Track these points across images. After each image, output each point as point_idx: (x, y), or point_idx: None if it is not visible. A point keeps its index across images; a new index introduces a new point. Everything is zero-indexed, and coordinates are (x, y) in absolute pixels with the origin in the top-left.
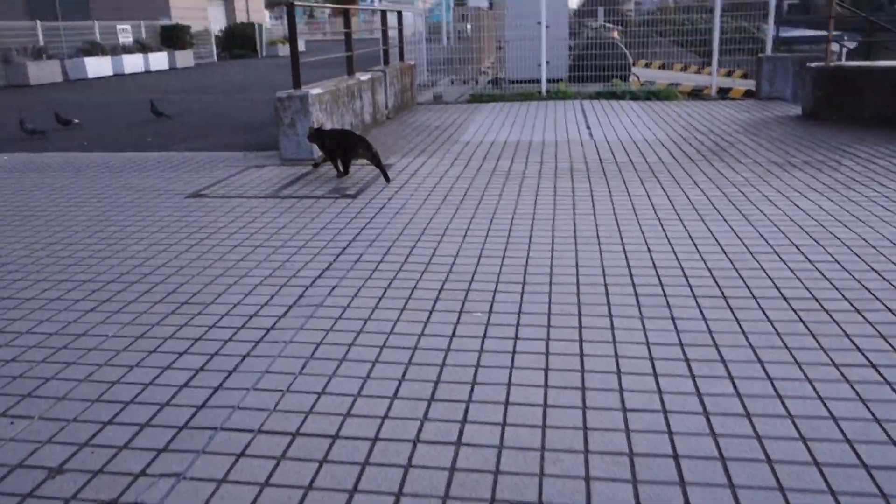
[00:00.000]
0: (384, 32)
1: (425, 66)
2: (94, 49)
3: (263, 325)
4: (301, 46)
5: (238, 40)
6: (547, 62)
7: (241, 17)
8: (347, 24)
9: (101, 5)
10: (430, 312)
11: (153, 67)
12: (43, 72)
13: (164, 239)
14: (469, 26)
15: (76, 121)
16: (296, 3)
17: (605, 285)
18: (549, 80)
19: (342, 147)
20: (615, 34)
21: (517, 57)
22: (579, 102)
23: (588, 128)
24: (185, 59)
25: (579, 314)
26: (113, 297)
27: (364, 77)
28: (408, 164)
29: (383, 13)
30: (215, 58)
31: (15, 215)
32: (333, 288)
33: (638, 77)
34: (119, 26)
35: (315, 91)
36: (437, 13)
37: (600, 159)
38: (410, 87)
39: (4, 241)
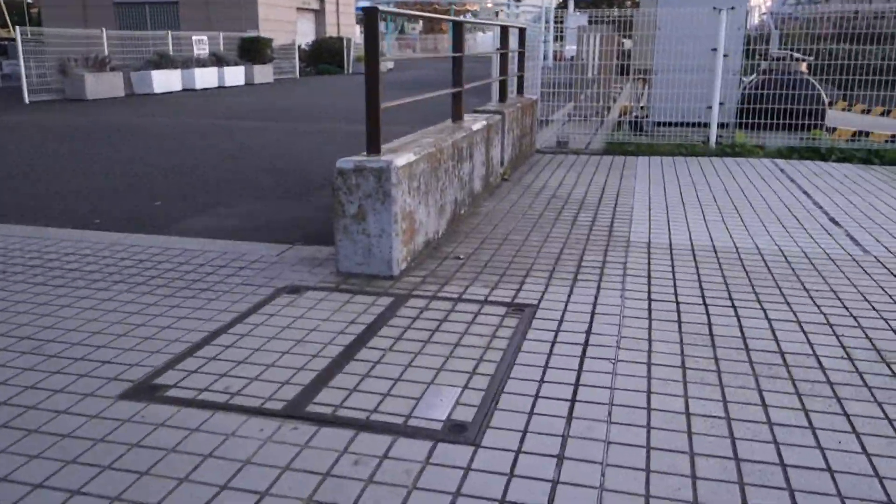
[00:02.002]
0: (503, 57)
1: (539, 96)
2: (163, 61)
3: None
4: (390, 64)
5: (325, 55)
6: (721, 103)
7: (331, 32)
8: (458, 45)
9: (191, 16)
10: None
11: (228, 83)
12: (102, 85)
13: None
14: (591, 49)
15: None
16: (381, 8)
17: None
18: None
19: None
20: (804, 67)
21: (668, 94)
22: (772, 162)
23: (835, 223)
24: (264, 74)
25: None
26: None
27: (476, 125)
28: (562, 307)
29: (503, 30)
30: (297, 73)
31: None
32: None
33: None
34: (195, 37)
35: (402, 160)
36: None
37: None
38: (531, 129)
39: None
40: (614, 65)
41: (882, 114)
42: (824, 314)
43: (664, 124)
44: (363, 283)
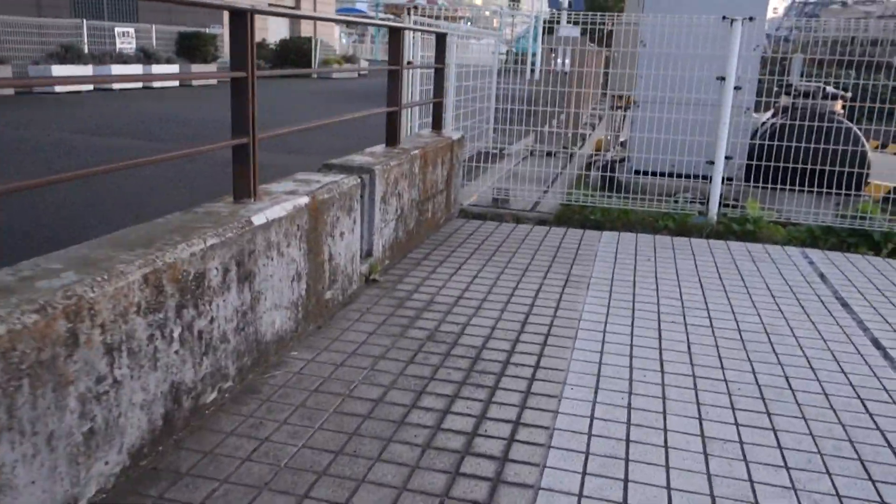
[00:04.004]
0: (393, 76)
1: (491, 123)
2: (69, 55)
3: None
4: (364, 66)
5: (292, 55)
6: (728, 157)
7: (308, 31)
8: (240, 57)
9: (152, 8)
10: None
11: (158, 83)
12: None
13: None
14: (562, 62)
15: None
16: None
17: None
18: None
19: None
20: (839, 106)
21: (653, 139)
22: (802, 255)
23: None
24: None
25: None
26: None
27: (263, 215)
28: None
29: (393, 34)
30: None
31: None
32: None
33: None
34: (118, 29)
35: None
36: (524, 42)
37: None
38: (447, 184)
39: None
40: (587, 92)
41: None
42: None
43: (643, 172)
44: None
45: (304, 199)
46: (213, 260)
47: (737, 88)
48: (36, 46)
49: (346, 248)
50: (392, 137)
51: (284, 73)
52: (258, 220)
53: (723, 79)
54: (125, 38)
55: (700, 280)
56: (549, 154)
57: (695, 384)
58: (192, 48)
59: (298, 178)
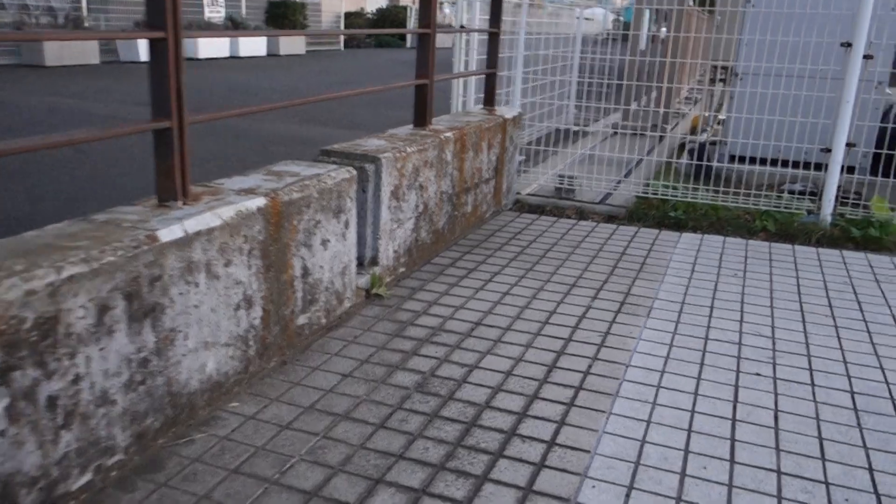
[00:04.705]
0: (423, 42)
1: (572, 99)
2: None
3: None
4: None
5: (388, 25)
6: (850, 144)
7: (406, 0)
8: (155, 20)
9: None
10: None
11: (244, 52)
12: (68, 49)
13: None
14: (662, 31)
15: None
16: None
17: None
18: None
19: None
20: None
21: (756, 119)
22: None
23: None
24: (292, 44)
25: None
26: None
27: (177, 230)
28: None
29: None
30: (342, 45)
31: None
32: None
33: None
34: None
35: None
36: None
37: None
38: (497, 171)
39: None
40: (687, 63)
41: None
42: None
43: (740, 159)
44: None
45: (258, 202)
46: (76, 296)
47: (867, 57)
48: (131, 16)
49: (332, 258)
50: (421, 117)
51: (219, 34)
52: (170, 234)
53: (849, 45)
54: (213, 7)
55: (802, 307)
56: (636, 133)
57: (778, 488)
58: (280, 16)
59: (274, 169)
